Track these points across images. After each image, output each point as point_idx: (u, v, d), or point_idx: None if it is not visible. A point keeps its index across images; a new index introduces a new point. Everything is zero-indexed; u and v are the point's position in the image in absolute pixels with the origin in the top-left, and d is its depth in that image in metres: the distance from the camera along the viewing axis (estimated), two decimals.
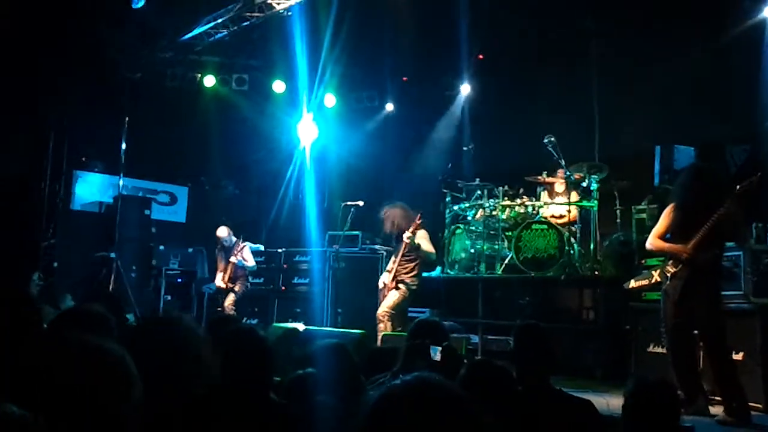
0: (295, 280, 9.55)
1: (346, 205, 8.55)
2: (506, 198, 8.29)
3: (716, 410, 4.80)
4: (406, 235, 7.13)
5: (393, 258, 7.44)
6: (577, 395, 3.22)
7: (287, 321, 8.32)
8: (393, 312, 7.09)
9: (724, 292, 5.01)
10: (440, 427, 1.21)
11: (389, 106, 11.87)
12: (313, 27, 9.57)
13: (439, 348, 2.80)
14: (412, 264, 7.24)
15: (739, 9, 7.95)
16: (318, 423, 2.16)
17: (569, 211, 7.99)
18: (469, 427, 1.25)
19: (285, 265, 9.71)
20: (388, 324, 7.01)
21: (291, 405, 2.38)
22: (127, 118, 10.32)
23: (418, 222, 7.20)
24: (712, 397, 4.97)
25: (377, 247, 8.84)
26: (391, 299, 7.15)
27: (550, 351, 3.30)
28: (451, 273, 8.51)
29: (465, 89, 11.02)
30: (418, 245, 7.19)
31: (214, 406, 2.16)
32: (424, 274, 7.79)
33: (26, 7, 8.93)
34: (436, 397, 1.25)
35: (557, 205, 8.21)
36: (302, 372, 2.77)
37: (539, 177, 8.16)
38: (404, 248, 7.18)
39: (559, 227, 7.70)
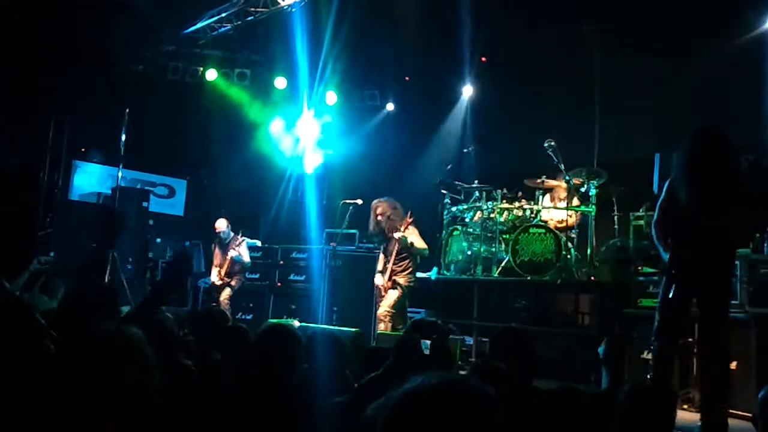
0: (292, 277, 9.54)
1: (345, 203, 8.53)
2: (504, 201, 8.29)
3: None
4: (398, 234, 7.10)
5: (383, 257, 7.42)
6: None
7: (282, 317, 8.32)
8: (394, 311, 7.09)
9: None
10: (469, 424, 1.20)
11: (389, 106, 11.87)
12: (316, 24, 9.57)
13: (429, 342, 2.83)
14: (406, 262, 7.23)
15: (742, 19, 7.96)
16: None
17: (570, 216, 8.00)
18: (494, 422, 1.24)
19: (282, 262, 9.70)
20: (389, 324, 7.00)
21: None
22: (127, 110, 10.32)
23: (410, 220, 7.18)
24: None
25: (374, 246, 8.83)
26: (391, 298, 7.14)
27: (529, 356, 3.21)
28: (448, 274, 8.49)
29: (467, 91, 11.03)
30: (411, 243, 7.18)
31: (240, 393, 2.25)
32: (421, 275, 7.79)
33: None
34: (462, 394, 1.24)
35: (556, 209, 8.20)
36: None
37: (539, 180, 8.15)
38: (397, 247, 7.16)
39: (556, 231, 7.69)
